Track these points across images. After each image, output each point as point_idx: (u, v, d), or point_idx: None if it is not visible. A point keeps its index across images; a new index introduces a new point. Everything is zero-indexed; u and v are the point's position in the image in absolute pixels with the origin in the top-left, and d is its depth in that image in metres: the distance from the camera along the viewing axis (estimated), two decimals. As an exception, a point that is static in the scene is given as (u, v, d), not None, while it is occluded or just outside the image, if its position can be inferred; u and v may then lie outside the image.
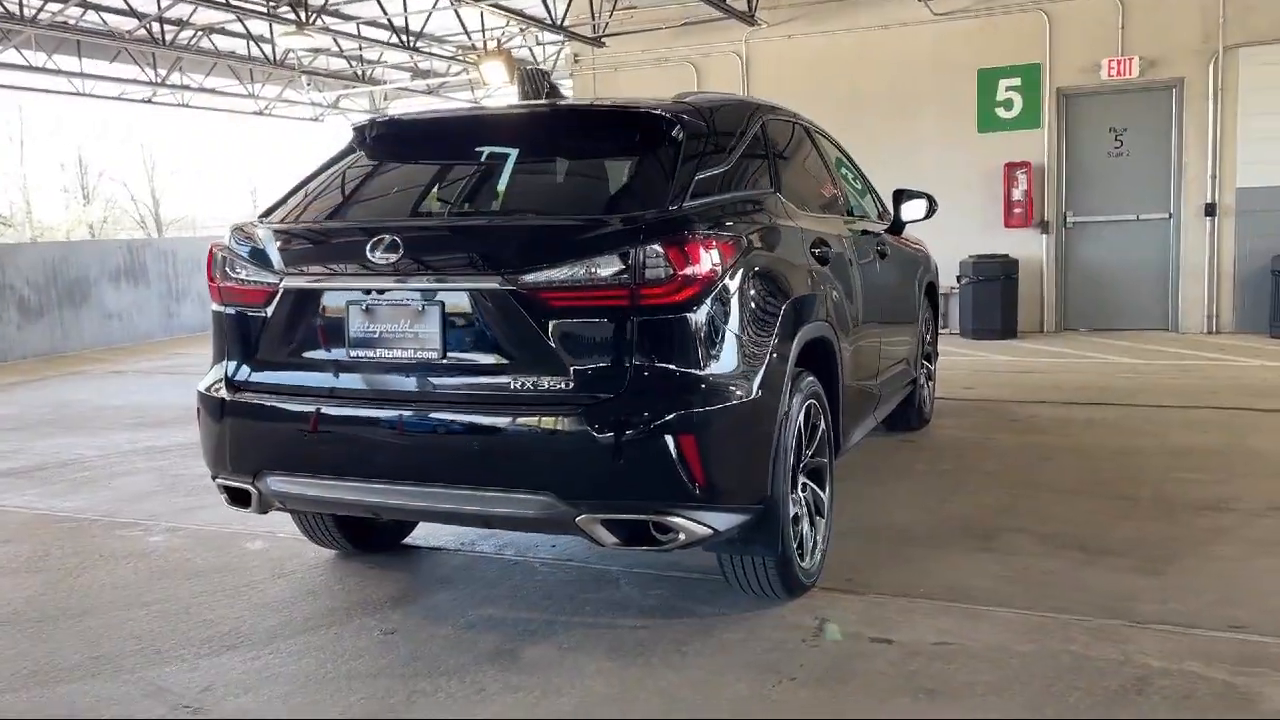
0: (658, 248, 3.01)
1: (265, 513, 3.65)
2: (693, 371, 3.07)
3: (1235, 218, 10.16)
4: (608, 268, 3.03)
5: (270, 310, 3.45)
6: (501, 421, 3.14)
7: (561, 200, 3.63)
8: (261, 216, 3.73)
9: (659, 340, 3.05)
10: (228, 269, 3.56)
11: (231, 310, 3.56)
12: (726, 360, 3.15)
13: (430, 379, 3.27)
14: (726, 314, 3.17)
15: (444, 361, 3.23)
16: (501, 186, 3.60)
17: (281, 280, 3.42)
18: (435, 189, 3.81)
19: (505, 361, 3.17)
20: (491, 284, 3.13)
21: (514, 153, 3.64)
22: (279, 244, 3.46)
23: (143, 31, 13.34)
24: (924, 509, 4.82)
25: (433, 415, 3.23)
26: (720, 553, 3.53)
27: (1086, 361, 9.09)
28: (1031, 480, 5.25)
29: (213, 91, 16.21)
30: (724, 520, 3.15)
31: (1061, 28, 10.43)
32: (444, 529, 4.64)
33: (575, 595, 3.87)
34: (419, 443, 3.27)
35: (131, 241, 15.59)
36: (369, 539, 4.32)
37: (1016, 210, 10.72)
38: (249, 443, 3.53)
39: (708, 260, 3.08)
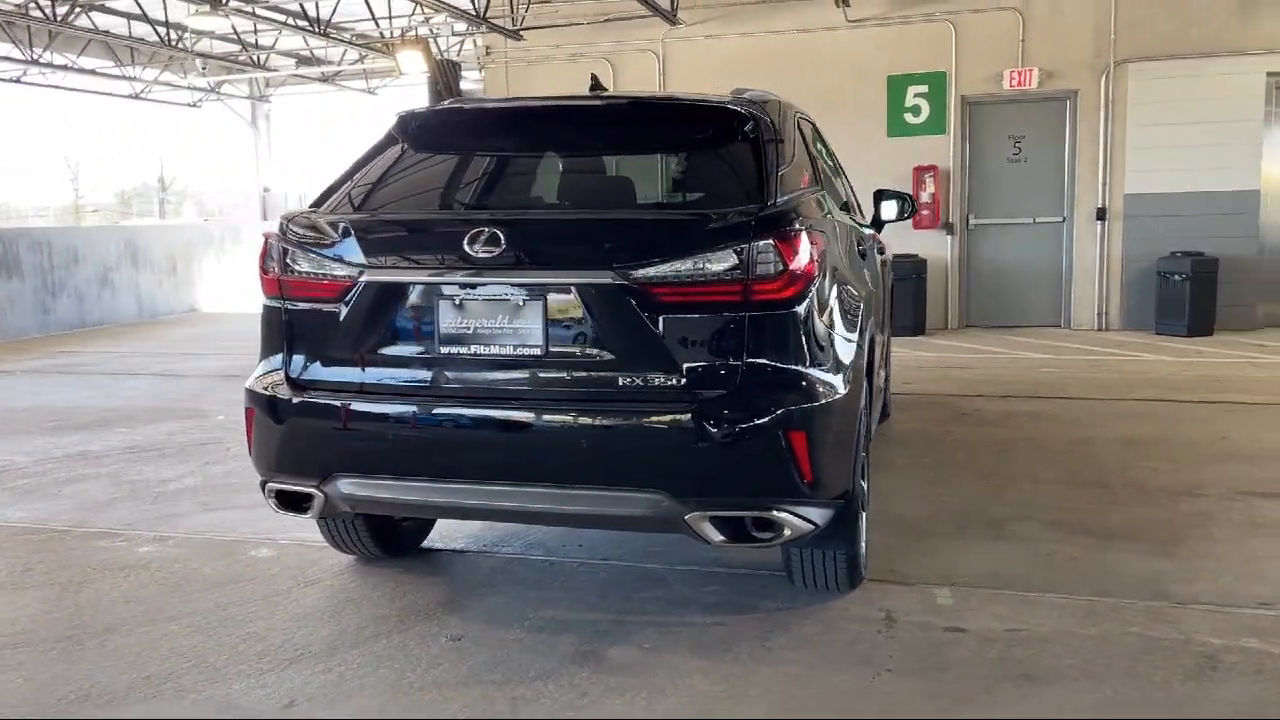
0: (770, 243, 3.03)
1: (323, 518, 3.48)
2: (799, 368, 3.10)
3: (1123, 222, 10.85)
4: (722, 263, 3.02)
5: (347, 304, 3.28)
6: (611, 419, 3.09)
7: (657, 194, 3.60)
8: (313, 206, 3.55)
9: (769, 336, 3.06)
10: (290, 261, 3.37)
11: (296, 305, 3.38)
12: (826, 355, 3.19)
13: (531, 376, 3.18)
14: (823, 310, 3.21)
15: (546, 358, 3.15)
16: (590, 180, 3.54)
17: (362, 273, 3.26)
18: (515, 181, 3.71)
19: (612, 358, 3.12)
20: (604, 278, 3.08)
21: (596, 146, 3.59)
22: (359, 235, 3.30)
23: (16, 6, 12.39)
24: (923, 501, 4.98)
25: (535, 413, 3.15)
26: (795, 548, 3.56)
27: (1000, 357, 9.55)
28: (1005, 471, 5.49)
29: (92, 73, 15.16)
30: (822, 515, 3.19)
31: (967, 39, 10.91)
32: (458, 532, 4.52)
33: (630, 594, 3.84)
34: (520, 441, 3.18)
35: (3, 231, 14.49)
36: (396, 544, 4.18)
37: (925, 212, 11.15)
38: (319, 444, 3.36)
39: (808, 256, 3.12)
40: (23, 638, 3.57)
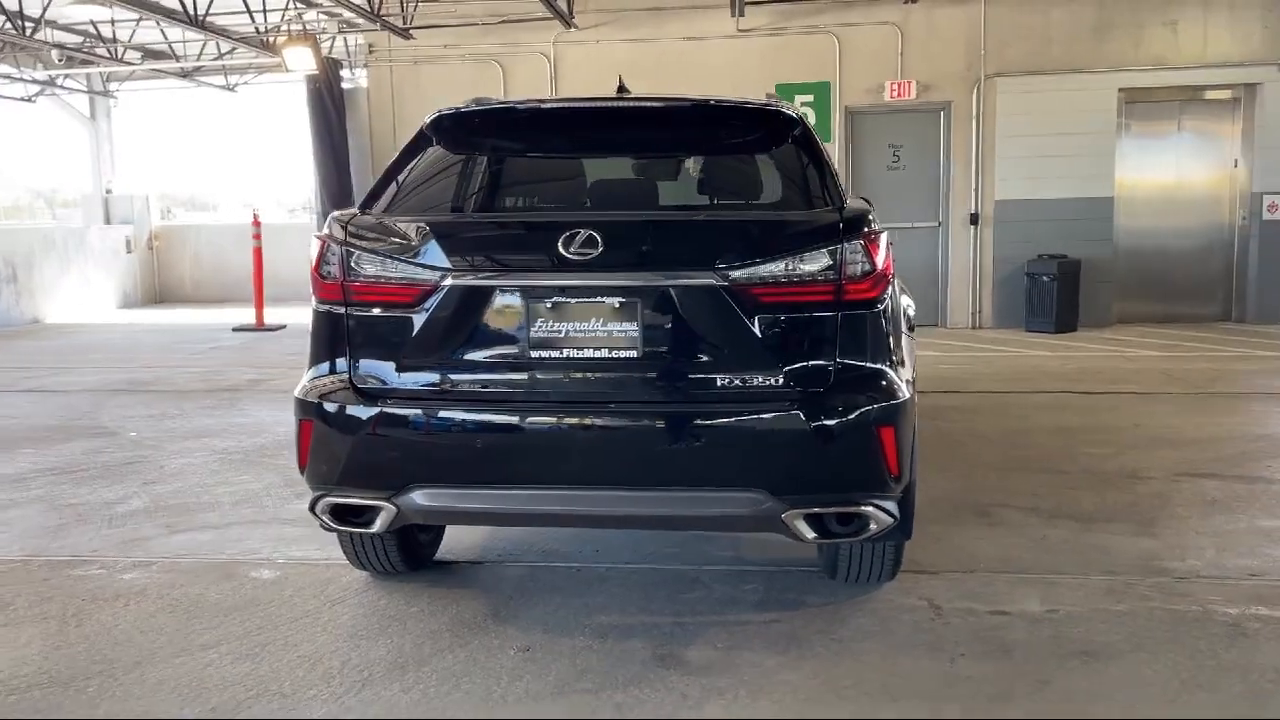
0: (860, 243, 3.12)
1: (386, 531, 3.34)
2: (881, 365, 3.21)
3: (994, 227, 11.54)
4: (816, 263, 3.10)
5: (427, 309, 3.16)
6: (711, 419, 3.10)
7: (729, 196, 3.62)
8: (363, 208, 3.41)
9: (857, 334, 3.15)
10: (355, 265, 3.22)
11: (363, 310, 3.23)
12: (898, 352, 3.30)
13: (627, 378, 3.16)
14: (895, 308, 3.33)
15: (643, 360, 3.14)
16: (661, 181, 3.54)
17: (445, 277, 3.15)
18: (580, 182, 3.66)
19: (711, 358, 3.14)
20: (705, 280, 3.09)
21: (659, 148, 3.59)
22: (440, 238, 3.19)
23: None
24: (901, 493, 5.19)
25: (633, 416, 3.13)
26: (848, 541, 3.63)
27: (895, 355, 9.98)
28: (961, 462, 5.78)
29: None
30: (896, 508, 3.30)
31: (850, 51, 11.36)
32: (458, 544, 4.41)
33: (673, 596, 3.86)
34: (617, 445, 3.15)
35: None
36: (418, 557, 4.04)
37: (812, 216, 11.52)
38: (396, 455, 3.22)
39: (886, 256, 3.22)
40: (43, 677, 3.28)
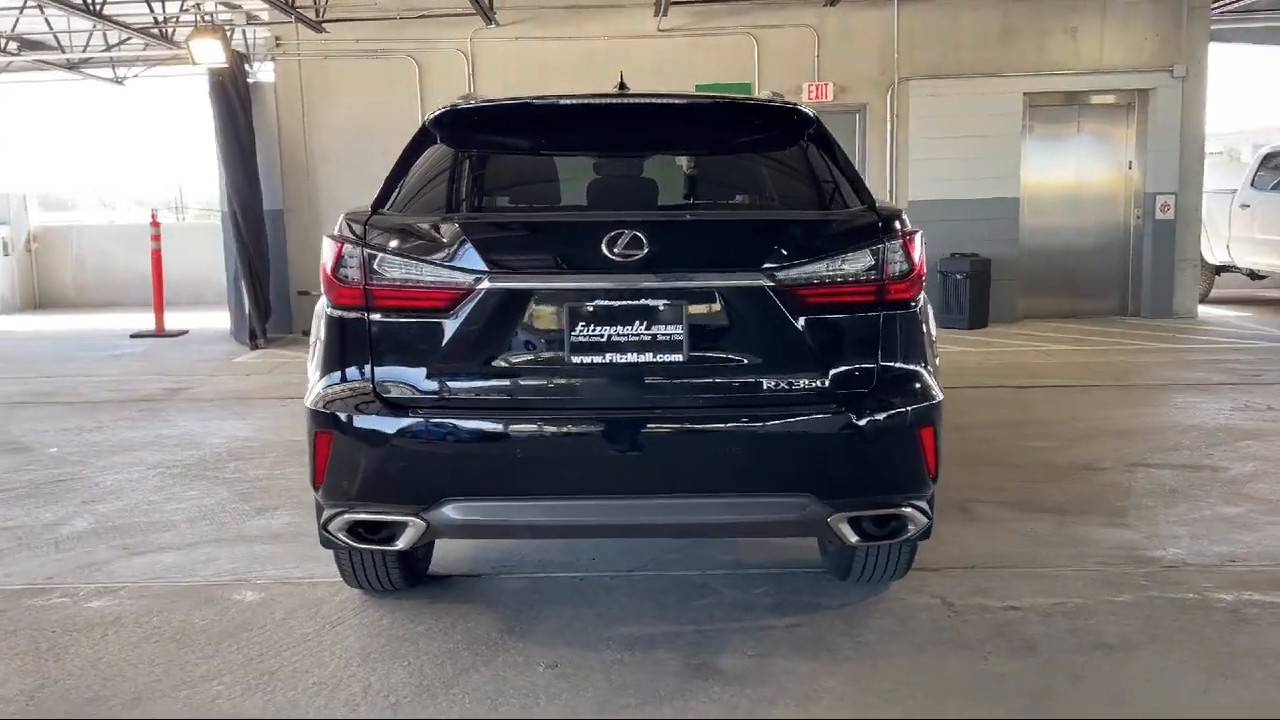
0: (899, 242, 3.12)
1: (410, 548, 3.17)
2: (918, 366, 3.20)
3: (908, 226, 11.80)
4: (860, 263, 3.08)
5: (459, 314, 3.02)
6: (759, 423, 3.05)
7: (761, 194, 3.56)
8: (375, 209, 3.23)
9: (897, 334, 3.14)
10: (378, 268, 3.04)
11: (387, 315, 3.06)
12: (931, 352, 3.30)
13: (671, 383, 3.07)
14: (927, 308, 3.33)
15: (687, 363, 3.06)
16: (686, 181, 3.45)
17: (480, 280, 3.01)
18: (607, 182, 3.54)
19: (757, 361, 3.08)
20: (753, 280, 3.03)
21: (681, 146, 3.52)
22: (474, 239, 3.04)
23: None
24: (875, 491, 5.24)
25: (678, 422, 3.04)
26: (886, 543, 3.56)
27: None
28: (921, 459, 5.87)
29: None
30: (930, 508, 3.30)
31: (768, 52, 11.46)
32: (446, 557, 4.25)
33: (686, 603, 3.80)
34: (662, 452, 3.06)
35: None
36: (415, 573, 3.87)
37: (733, 216, 11.59)
38: (428, 467, 3.06)
39: (921, 255, 3.23)
40: (30, 713, 3.02)
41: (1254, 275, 12.83)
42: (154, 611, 3.79)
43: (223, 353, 10.59)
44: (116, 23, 10.66)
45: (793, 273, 3.05)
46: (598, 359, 3.04)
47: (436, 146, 3.52)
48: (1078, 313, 12.04)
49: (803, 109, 3.66)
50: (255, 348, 10.72)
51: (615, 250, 2.99)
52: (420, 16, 10.99)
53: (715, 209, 3.58)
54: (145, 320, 12.42)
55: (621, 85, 4.19)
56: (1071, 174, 12.06)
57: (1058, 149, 11.98)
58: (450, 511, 3.04)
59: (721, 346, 3.09)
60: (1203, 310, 12.02)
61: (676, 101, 3.80)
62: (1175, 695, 3.07)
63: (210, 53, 9.78)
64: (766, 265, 3.05)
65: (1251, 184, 12.41)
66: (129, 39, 12.17)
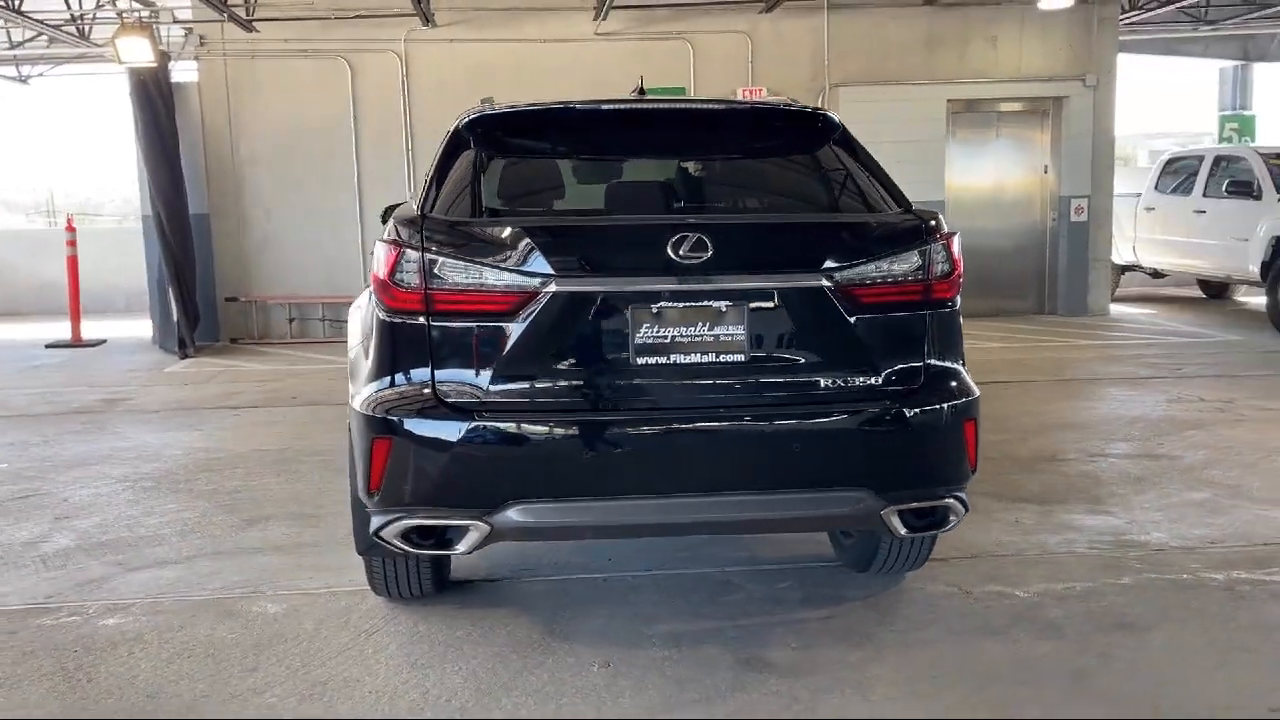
0: (943, 243, 3.25)
1: (470, 551, 3.16)
2: (957, 362, 3.34)
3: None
4: (909, 263, 3.19)
5: (524, 317, 3.02)
6: (819, 421, 3.14)
7: (805, 198, 3.64)
8: (427, 213, 3.21)
9: (941, 332, 3.27)
10: (439, 272, 3.03)
11: (451, 320, 3.04)
12: (963, 349, 3.43)
13: (733, 383, 3.13)
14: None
15: (749, 364, 3.13)
16: (725, 184, 3.52)
17: (547, 283, 3.02)
18: (649, 185, 3.58)
19: (815, 360, 3.17)
20: (813, 281, 3.12)
21: (717, 149, 3.59)
22: (541, 242, 3.05)
23: None
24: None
25: (741, 421, 3.11)
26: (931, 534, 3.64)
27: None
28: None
29: None
30: (968, 499, 3.43)
31: (704, 57, 11.62)
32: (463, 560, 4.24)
33: (715, 599, 3.87)
34: (726, 450, 3.12)
35: None
36: (443, 579, 3.86)
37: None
38: (494, 470, 3.05)
39: (960, 255, 3.36)
40: (83, 741, 2.92)
41: (1156, 274, 13.51)
42: (175, 627, 3.69)
43: (151, 362, 10.24)
44: (33, 19, 10.21)
45: (849, 273, 3.15)
46: (662, 360, 3.09)
47: (471, 150, 3.51)
48: (999, 311, 12.50)
49: (829, 113, 3.77)
50: (185, 356, 10.38)
51: (680, 252, 3.04)
52: (356, 17, 10.81)
53: (767, 212, 3.66)
54: (55, 330, 11.96)
55: (641, 91, 4.25)
56: (992, 178, 12.53)
57: (979, 154, 12.44)
58: (515, 514, 3.04)
59: (781, 346, 3.17)
60: (1112, 308, 12.61)
61: (714, 107, 3.89)
62: (1199, 669, 3.27)
63: (138, 51, 9.46)
64: (825, 266, 3.14)
65: (1155, 188, 13.07)
66: (35, 37, 11.66)
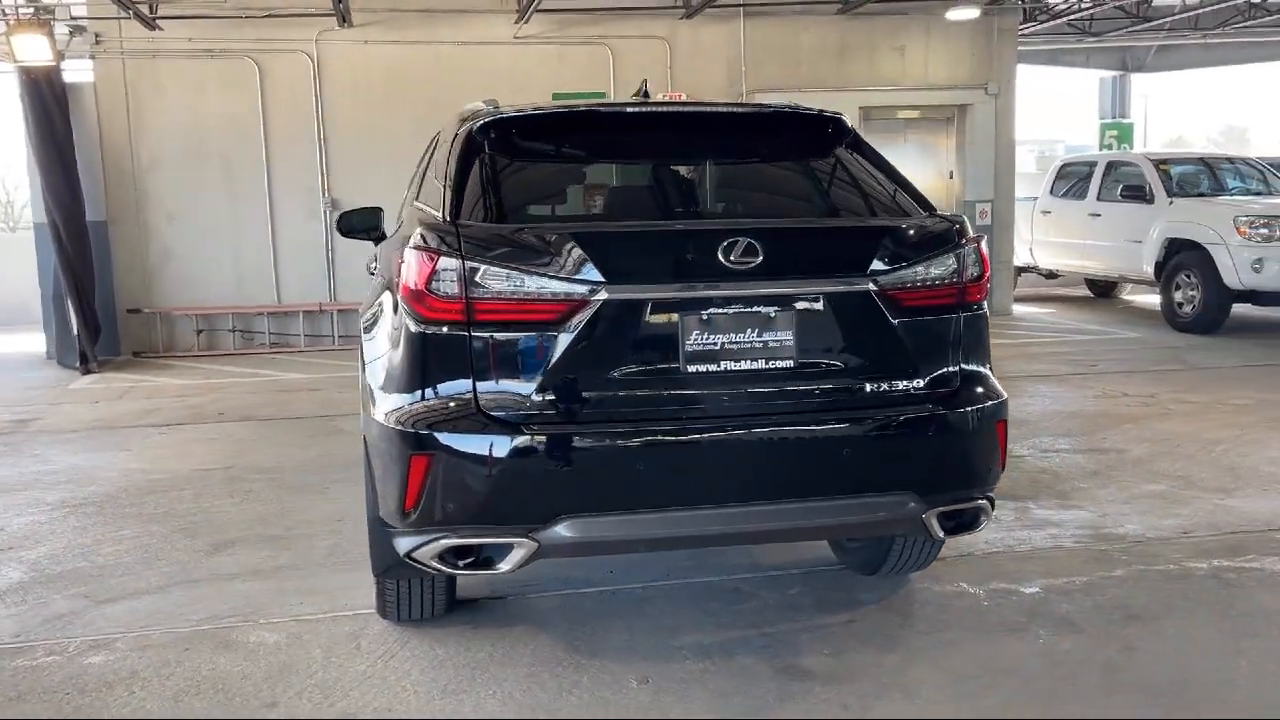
0: (975, 247, 3.29)
1: (514, 570, 3.04)
2: (986, 365, 3.38)
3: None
4: (945, 267, 3.22)
5: (572, 326, 2.93)
6: (866, 425, 3.13)
7: (838, 202, 3.62)
8: (456, 220, 3.08)
9: (972, 335, 3.31)
10: (481, 280, 2.90)
11: (494, 330, 2.92)
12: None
13: (782, 389, 3.10)
14: None
15: (796, 369, 3.10)
16: (752, 188, 3.48)
17: (596, 291, 2.93)
18: (680, 189, 3.51)
19: (862, 365, 3.16)
20: (860, 285, 3.12)
21: (735, 153, 3.57)
22: (589, 249, 2.95)
23: None
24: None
25: (791, 427, 3.07)
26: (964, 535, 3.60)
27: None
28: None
29: None
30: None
31: (623, 62, 11.58)
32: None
33: (731, 609, 3.84)
34: (776, 458, 3.08)
35: None
36: (452, 598, 3.72)
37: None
38: (543, 486, 2.94)
39: (987, 258, 3.40)
40: (108, 792, 2.70)
41: (1051, 275, 14.09)
42: (170, 662, 3.46)
43: (50, 378, 9.65)
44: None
45: (892, 276, 3.17)
46: (712, 367, 3.04)
47: (491, 155, 3.40)
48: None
49: (841, 117, 3.79)
50: (88, 372, 9.81)
51: (732, 258, 3.00)
52: (267, 16, 10.41)
53: (809, 217, 3.64)
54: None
55: (645, 94, 4.19)
56: (901, 183, 12.86)
57: (889, 158, 12.72)
58: (564, 530, 2.95)
59: (828, 351, 3.16)
60: (1015, 308, 13.09)
61: (732, 110, 3.87)
62: (1219, 658, 3.38)
63: (35, 49, 8.92)
64: (870, 269, 3.15)
65: (1050, 192, 13.62)
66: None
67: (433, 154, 4.04)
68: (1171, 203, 11.41)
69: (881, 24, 12.13)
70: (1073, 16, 14.89)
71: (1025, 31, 14.05)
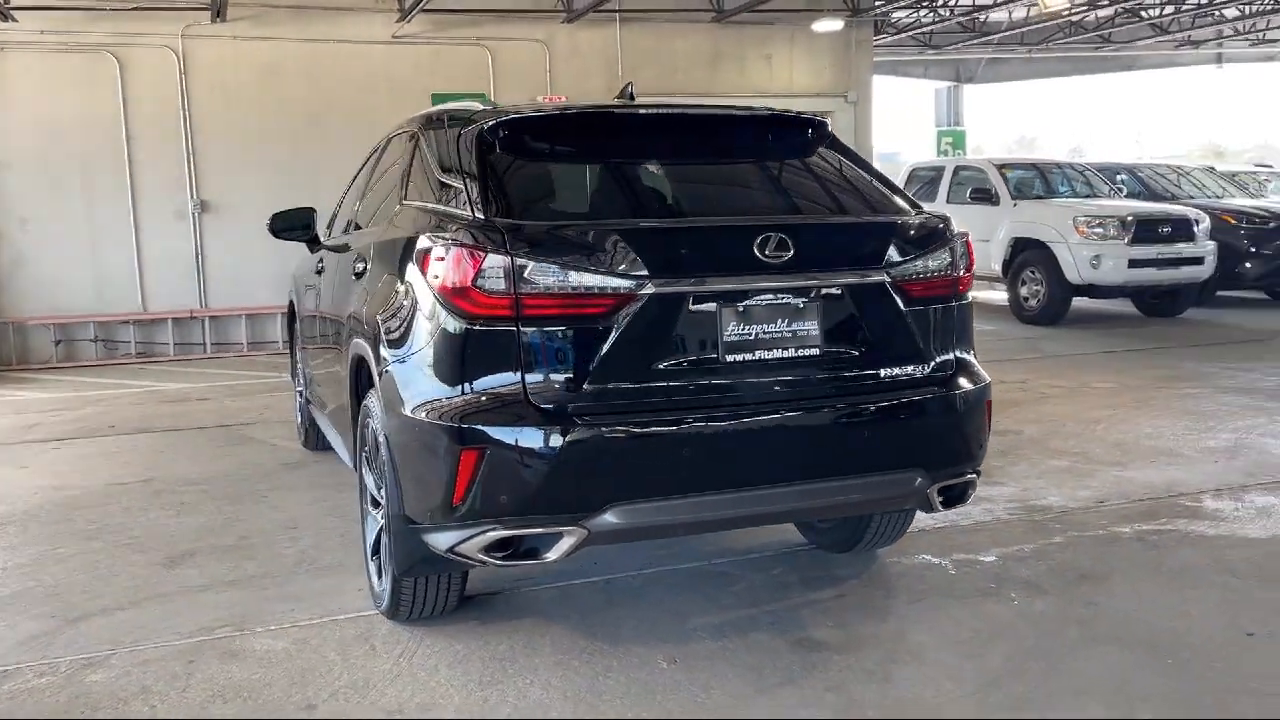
0: (964, 240, 3.58)
1: (561, 558, 3.12)
2: (971, 350, 3.68)
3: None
4: (943, 259, 3.50)
5: (620, 319, 3.04)
6: (886, 408, 3.35)
7: (833, 198, 3.80)
8: (498, 217, 3.13)
9: (962, 322, 3.61)
10: (530, 276, 2.97)
11: (543, 324, 3.00)
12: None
13: (809, 376, 3.29)
14: None
15: (821, 357, 3.30)
16: (761, 186, 3.65)
17: (643, 285, 3.05)
18: (689, 188, 3.63)
19: (879, 351, 3.39)
20: (878, 276, 3.34)
21: (730, 154, 3.74)
22: (635, 245, 3.06)
23: None
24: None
25: (820, 411, 3.27)
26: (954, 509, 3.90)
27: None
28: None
29: None
30: None
31: (502, 65, 11.61)
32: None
33: (726, 590, 4.01)
34: (807, 441, 3.26)
35: None
36: (463, 595, 3.75)
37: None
38: (593, 475, 3.02)
39: (973, 252, 3.70)
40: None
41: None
42: (180, 674, 3.36)
43: (-105, 394, 8.92)
44: None
45: (904, 268, 3.43)
46: (748, 356, 3.21)
47: (509, 154, 3.47)
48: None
49: (824, 120, 4.03)
50: (-62, 386, 9.12)
51: (766, 252, 3.18)
52: (133, 9, 9.92)
53: (829, 213, 3.82)
54: None
55: (631, 95, 4.28)
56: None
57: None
58: (613, 517, 3.06)
59: (849, 340, 3.38)
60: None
61: (732, 112, 4.03)
62: (1170, 608, 3.77)
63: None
64: (885, 262, 3.40)
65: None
66: None
67: (415, 155, 4.05)
68: (1015, 204, 12.28)
69: (751, 33, 12.58)
70: (916, 31, 15.80)
71: (875, 43, 14.81)
